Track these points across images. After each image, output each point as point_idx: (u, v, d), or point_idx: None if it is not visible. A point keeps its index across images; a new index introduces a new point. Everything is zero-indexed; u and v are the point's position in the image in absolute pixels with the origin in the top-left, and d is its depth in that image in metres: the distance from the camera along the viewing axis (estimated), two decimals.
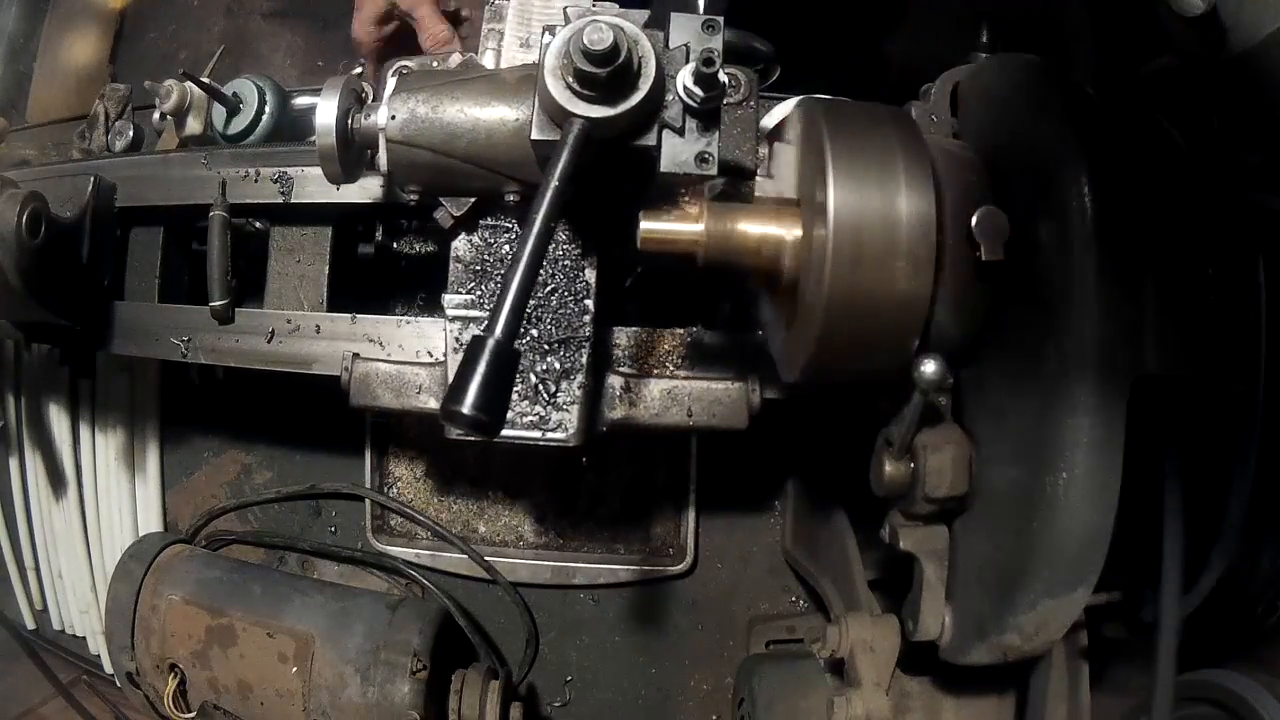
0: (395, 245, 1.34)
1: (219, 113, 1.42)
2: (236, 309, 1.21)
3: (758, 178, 0.90)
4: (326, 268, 1.24)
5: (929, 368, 0.76)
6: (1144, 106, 0.82)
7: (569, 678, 1.64)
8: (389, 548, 1.60)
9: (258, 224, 1.31)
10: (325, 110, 0.96)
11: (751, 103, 0.91)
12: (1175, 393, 0.81)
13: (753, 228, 0.85)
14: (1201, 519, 0.90)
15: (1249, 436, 0.84)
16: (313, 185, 1.18)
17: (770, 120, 1.44)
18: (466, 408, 0.66)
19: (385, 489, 1.63)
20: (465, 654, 1.48)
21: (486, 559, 1.55)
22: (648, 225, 0.85)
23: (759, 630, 1.60)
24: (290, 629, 1.33)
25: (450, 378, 0.70)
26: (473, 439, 0.70)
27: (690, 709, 1.63)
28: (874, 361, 0.82)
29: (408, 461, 1.64)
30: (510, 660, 1.59)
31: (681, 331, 1.15)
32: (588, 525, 1.61)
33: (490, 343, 0.68)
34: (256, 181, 1.22)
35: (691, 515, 1.59)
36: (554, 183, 0.76)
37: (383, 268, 1.34)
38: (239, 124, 1.41)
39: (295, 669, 1.30)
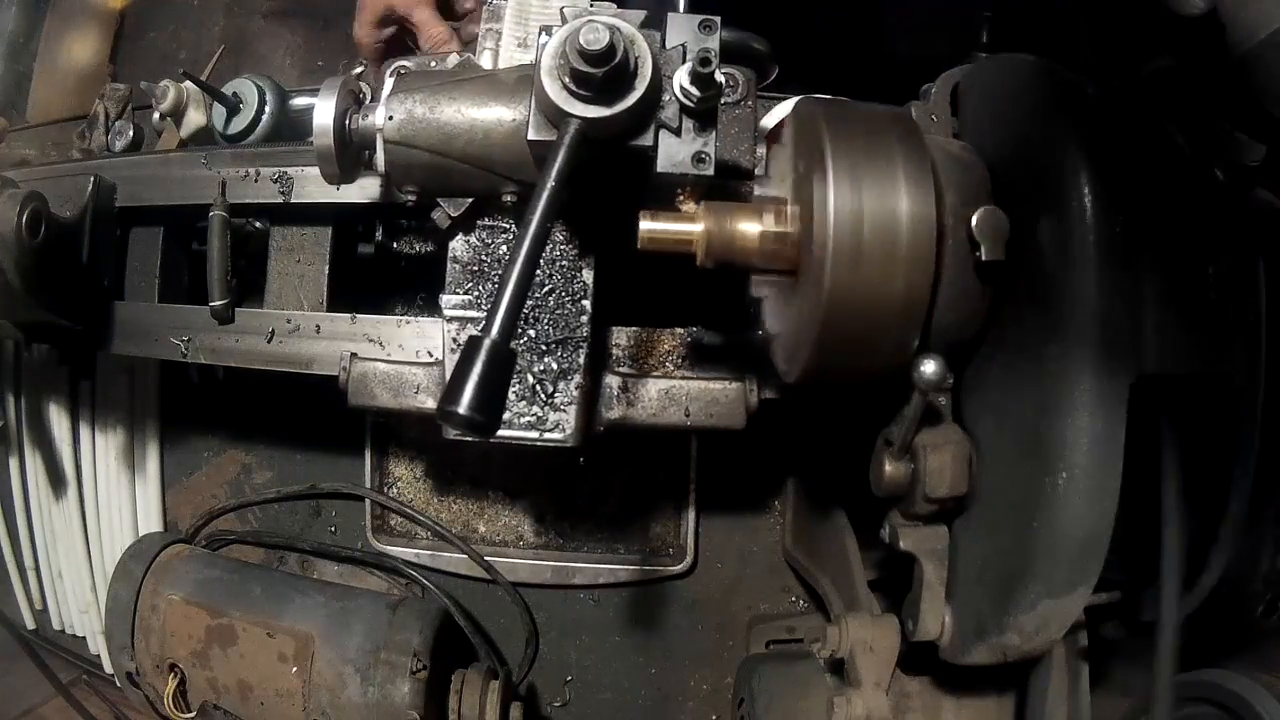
0: (395, 245, 1.34)
1: (219, 113, 1.42)
2: (236, 309, 1.21)
3: (757, 178, 0.90)
4: (326, 268, 1.23)
5: (929, 368, 0.76)
6: (1144, 106, 0.82)
7: (569, 678, 1.64)
8: (389, 548, 1.60)
9: (258, 224, 1.31)
10: (323, 111, 0.96)
11: (749, 102, 0.91)
12: (1175, 393, 0.81)
13: (753, 228, 0.85)
14: (1201, 519, 0.89)
15: (1249, 436, 0.84)
16: (313, 185, 1.18)
17: (770, 120, 1.44)
18: (463, 408, 0.66)
19: (385, 489, 1.63)
20: (465, 654, 1.48)
21: (486, 559, 1.55)
22: (647, 225, 0.85)
23: (759, 630, 1.60)
24: (290, 629, 1.33)
25: (448, 378, 0.69)
26: (470, 438, 0.70)
27: (690, 709, 1.63)
28: (874, 361, 0.82)
29: (408, 461, 1.64)
30: (510, 660, 1.59)
31: (680, 331, 1.15)
32: (588, 525, 1.61)
33: (486, 343, 0.68)
34: (256, 181, 1.22)
35: (691, 515, 1.59)
36: (550, 183, 0.75)
37: (383, 268, 1.34)
38: (239, 124, 1.41)
39: (295, 669, 1.30)
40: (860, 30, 1.59)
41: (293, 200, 1.20)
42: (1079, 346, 0.74)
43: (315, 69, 1.91)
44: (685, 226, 0.84)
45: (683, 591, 1.63)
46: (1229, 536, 0.89)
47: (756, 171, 0.97)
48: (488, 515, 1.63)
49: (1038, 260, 0.78)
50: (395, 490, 1.64)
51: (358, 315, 1.18)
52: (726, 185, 0.97)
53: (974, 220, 0.78)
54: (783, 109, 1.43)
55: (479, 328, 0.70)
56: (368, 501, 1.61)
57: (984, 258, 0.78)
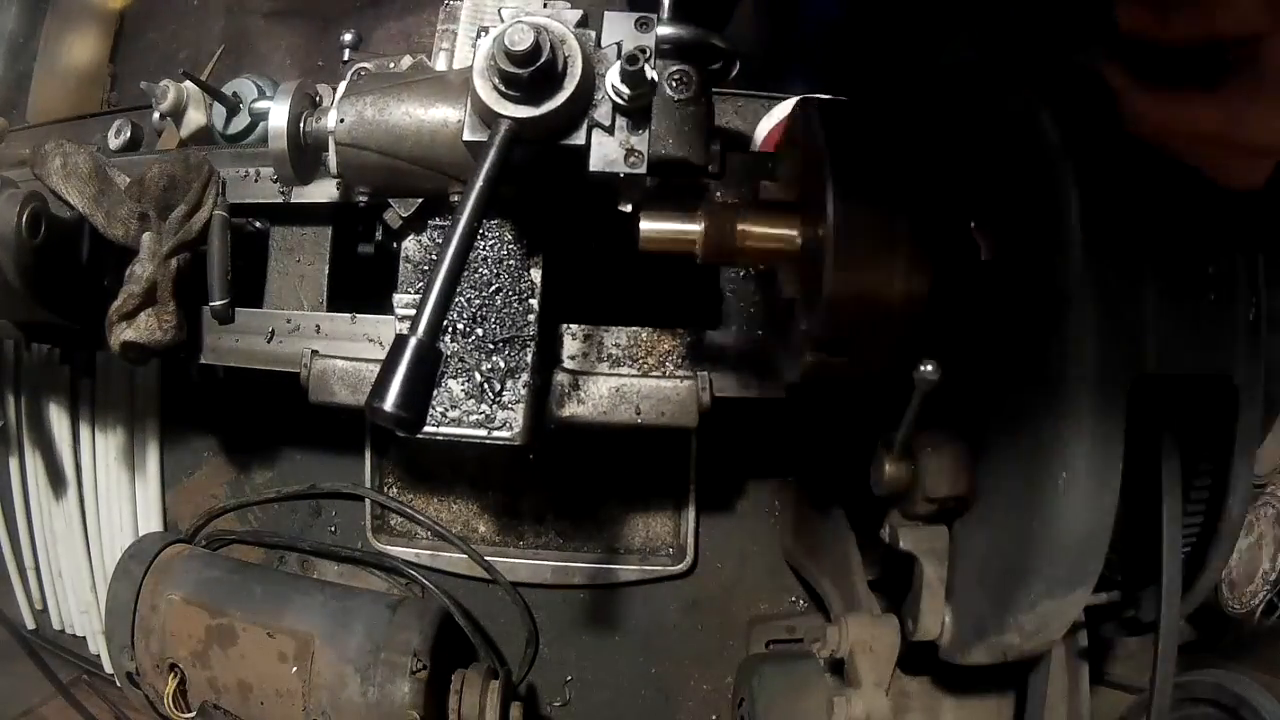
0: (395, 245, 1.34)
1: (219, 113, 1.42)
2: (236, 309, 1.22)
3: (762, 181, 0.90)
4: (326, 267, 1.24)
5: (929, 368, 0.77)
6: None
7: (569, 678, 1.64)
8: (389, 548, 1.60)
9: (258, 224, 1.31)
10: (277, 114, 0.97)
11: (703, 99, 0.91)
12: (1175, 393, 0.81)
13: (753, 228, 0.85)
14: (1201, 519, 0.89)
15: (1249, 437, 0.84)
16: (312, 185, 1.18)
17: (769, 122, 1.44)
18: (388, 404, 0.67)
19: (385, 489, 1.63)
20: (465, 654, 1.48)
21: (486, 559, 1.55)
22: (648, 225, 0.85)
23: (759, 630, 1.60)
24: (290, 629, 1.33)
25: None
26: (399, 433, 0.70)
27: (690, 709, 1.63)
28: (874, 361, 0.82)
29: (408, 461, 1.64)
30: (510, 660, 1.59)
31: (632, 329, 1.14)
32: (588, 525, 1.61)
33: (413, 341, 0.68)
34: (256, 181, 1.22)
35: (691, 515, 1.59)
36: (479, 184, 0.75)
37: (383, 267, 1.34)
38: (239, 124, 1.41)
39: (295, 669, 1.30)
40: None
41: (293, 200, 1.20)
42: (1079, 347, 0.74)
43: (315, 69, 1.91)
44: (685, 226, 0.84)
45: (683, 591, 1.62)
46: (1228, 536, 0.89)
47: (711, 169, 0.97)
48: (488, 515, 1.63)
49: (1038, 260, 0.78)
50: (395, 490, 1.64)
51: (358, 315, 1.18)
52: (679, 184, 0.96)
53: (974, 220, 0.78)
54: (782, 110, 1.44)
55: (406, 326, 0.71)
56: (368, 501, 1.61)
57: (984, 258, 0.78)
